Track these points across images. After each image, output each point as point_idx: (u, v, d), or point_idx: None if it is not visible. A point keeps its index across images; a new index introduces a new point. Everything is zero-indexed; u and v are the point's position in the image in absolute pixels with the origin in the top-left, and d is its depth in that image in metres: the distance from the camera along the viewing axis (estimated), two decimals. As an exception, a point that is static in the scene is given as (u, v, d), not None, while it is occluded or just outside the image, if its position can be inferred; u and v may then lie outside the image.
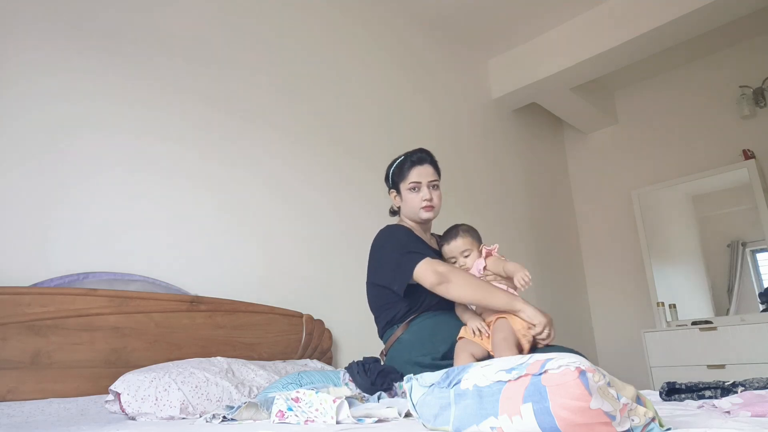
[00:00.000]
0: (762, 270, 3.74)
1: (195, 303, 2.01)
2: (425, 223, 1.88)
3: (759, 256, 3.76)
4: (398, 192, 1.87)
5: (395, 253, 1.73)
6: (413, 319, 1.71)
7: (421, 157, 1.87)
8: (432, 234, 1.97)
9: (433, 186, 1.85)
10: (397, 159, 1.91)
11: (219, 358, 1.78)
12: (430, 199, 1.82)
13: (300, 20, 2.84)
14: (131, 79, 2.12)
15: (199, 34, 2.39)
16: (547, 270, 4.07)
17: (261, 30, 2.64)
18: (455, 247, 1.69)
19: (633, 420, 0.70)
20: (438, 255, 1.79)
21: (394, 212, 1.96)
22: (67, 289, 1.73)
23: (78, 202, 1.89)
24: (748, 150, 3.77)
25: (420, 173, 1.83)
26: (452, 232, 1.74)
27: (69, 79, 1.96)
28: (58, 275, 1.77)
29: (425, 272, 1.62)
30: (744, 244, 3.81)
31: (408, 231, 1.82)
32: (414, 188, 1.82)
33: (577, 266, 4.53)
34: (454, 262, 1.70)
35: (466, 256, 1.68)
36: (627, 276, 4.28)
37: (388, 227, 1.86)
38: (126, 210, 2.00)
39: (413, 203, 1.83)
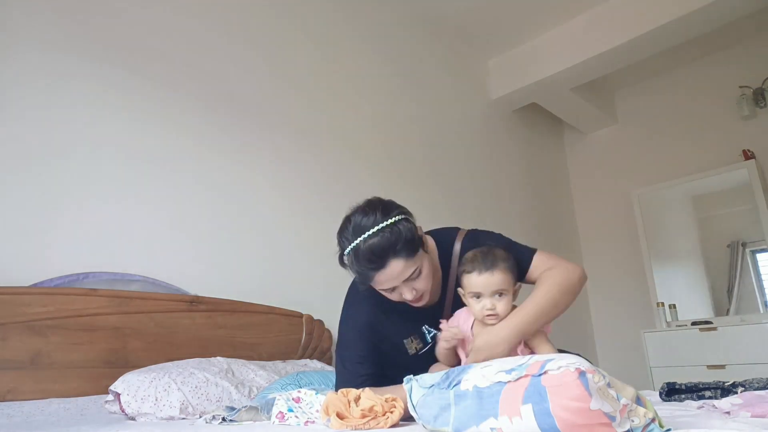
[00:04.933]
0: (762, 270, 3.74)
1: (195, 303, 2.01)
2: None
3: (759, 256, 3.76)
4: None
5: (338, 357, 1.37)
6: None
7: (377, 254, 1.19)
8: (428, 234, 1.42)
9: (415, 279, 1.24)
10: (344, 244, 1.25)
11: (219, 358, 1.78)
12: (414, 299, 1.27)
13: (300, 19, 2.84)
14: (131, 79, 2.12)
15: (199, 34, 2.39)
16: (547, 270, 4.07)
17: (261, 30, 2.64)
18: (490, 283, 1.17)
19: (633, 421, 0.70)
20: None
21: None
22: (67, 289, 1.73)
23: (78, 202, 1.89)
24: (748, 150, 3.77)
25: (388, 278, 1.22)
26: (487, 260, 1.19)
27: (68, 79, 1.96)
28: (58, 275, 1.77)
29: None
30: (744, 245, 3.81)
31: (371, 317, 1.34)
32: (390, 291, 1.27)
33: (577, 266, 4.52)
34: (478, 298, 1.19)
35: (500, 296, 1.18)
36: (627, 276, 4.28)
37: (352, 301, 1.41)
38: (126, 210, 2.00)
39: (392, 297, 1.30)
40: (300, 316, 2.34)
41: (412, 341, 1.31)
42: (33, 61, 1.89)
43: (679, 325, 3.73)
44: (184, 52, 2.32)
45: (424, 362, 1.30)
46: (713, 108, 4.04)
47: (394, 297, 1.28)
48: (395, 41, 3.38)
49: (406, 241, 1.21)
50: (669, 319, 3.86)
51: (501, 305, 1.18)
